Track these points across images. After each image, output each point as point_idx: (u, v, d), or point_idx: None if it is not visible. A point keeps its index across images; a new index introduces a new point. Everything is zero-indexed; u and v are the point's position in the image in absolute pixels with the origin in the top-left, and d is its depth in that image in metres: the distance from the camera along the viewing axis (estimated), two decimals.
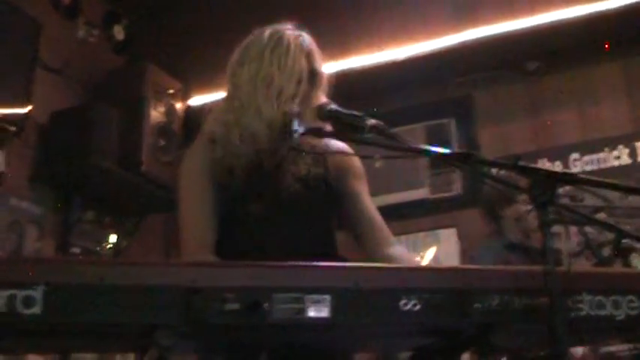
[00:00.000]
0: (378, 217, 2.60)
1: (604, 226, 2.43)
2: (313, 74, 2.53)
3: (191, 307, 1.57)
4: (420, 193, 6.41)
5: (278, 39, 2.54)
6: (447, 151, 2.13)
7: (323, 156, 2.57)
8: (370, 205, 2.62)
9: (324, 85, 2.57)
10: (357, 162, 2.66)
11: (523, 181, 1.99)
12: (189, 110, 6.37)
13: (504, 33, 5.76)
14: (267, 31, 2.57)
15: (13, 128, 5.30)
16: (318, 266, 1.75)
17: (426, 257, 6.41)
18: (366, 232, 2.57)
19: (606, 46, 5.92)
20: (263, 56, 2.50)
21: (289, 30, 2.58)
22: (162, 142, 5.92)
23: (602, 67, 6.21)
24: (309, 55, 2.55)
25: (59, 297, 1.54)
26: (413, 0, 6.01)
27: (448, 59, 6.00)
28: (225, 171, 2.45)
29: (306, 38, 2.58)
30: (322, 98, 2.49)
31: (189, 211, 2.46)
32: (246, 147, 2.43)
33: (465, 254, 6.12)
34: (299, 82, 2.49)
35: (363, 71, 6.04)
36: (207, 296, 1.59)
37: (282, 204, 2.47)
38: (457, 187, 6.35)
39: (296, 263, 1.75)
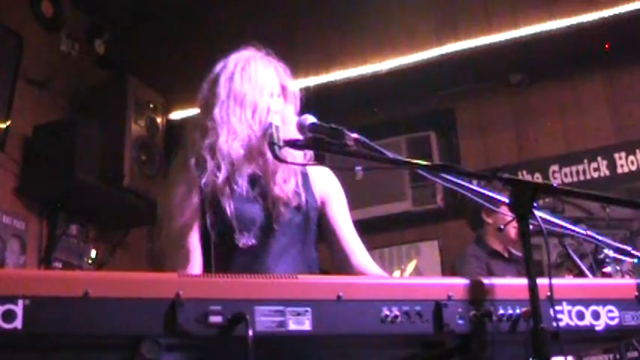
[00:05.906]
0: (356, 238, 2.65)
1: (582, 237, 2.45)
2: (283, 88, 2.59)
3: (175, 319, 1.58)
4: (403, 206, 6.41)
5: (246, 60, 2.60)
6: (426, 163, 2.16)
7: (309, 182, 2.60)
8: (350, 226, 2.67)
9: (296, 100, 2.61)
10: (338, 185, 2.70)
11: (504, 192, 2.02)
12: (170, 124, 6.35)
13: (487, 45, 5.78)
14: (234, 56, 2.63)
15: None
16: (299, 279, 1.76)
17: (407, 270, 6.42)
18: (343, 251, 2.62)
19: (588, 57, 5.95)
20: (233, 77, 2.54)
21: (255, 51, 2.64)
22: (144, 157, 5.91)
23: (585, 79, 6.24)
24: (277, 71, 2.60)
25: (40, 311, 1.52)
26: (396, 13, 6.06)
27: (431, 72, 6.03)
28: (210, 195, 2.43)
29: (273, 56, 2.64)
30: (295, 113, 2.53)
31: (177, 228, 2.44)
32: (224, 170, 2.43)
33: (446, 266, 6.14)
34: (271, 95, 2.54)
35: (346, 84, 6.05)
36: (191, 308, 1.60)
37: (276, 234, 2.47)
38: (439, 200, 6.36)
39: (278, 276, 1.76)
